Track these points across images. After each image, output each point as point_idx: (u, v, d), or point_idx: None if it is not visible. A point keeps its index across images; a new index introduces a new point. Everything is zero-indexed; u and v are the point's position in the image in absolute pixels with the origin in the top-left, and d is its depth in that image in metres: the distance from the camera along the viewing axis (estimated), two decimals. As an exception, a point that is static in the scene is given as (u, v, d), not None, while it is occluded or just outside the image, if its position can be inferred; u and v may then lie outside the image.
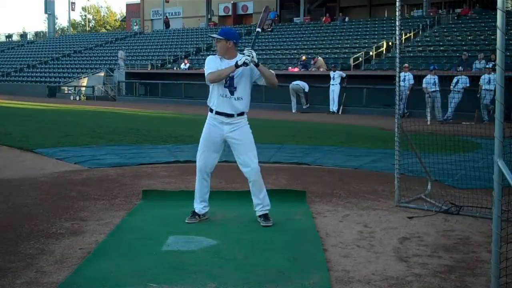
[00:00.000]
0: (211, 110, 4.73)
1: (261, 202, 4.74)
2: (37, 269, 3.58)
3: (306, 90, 21.37)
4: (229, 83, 4.61)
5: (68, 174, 7.10)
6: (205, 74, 4.65)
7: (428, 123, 13.84)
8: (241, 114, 4.68)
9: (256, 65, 4.55)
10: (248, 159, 4.64)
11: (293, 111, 21.34)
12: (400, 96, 5.94)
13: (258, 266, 3.68)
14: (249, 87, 4.72)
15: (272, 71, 4.99)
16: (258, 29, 5.04)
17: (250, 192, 4.80)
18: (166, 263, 3.74)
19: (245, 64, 4.46)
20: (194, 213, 4.85)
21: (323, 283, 3.38)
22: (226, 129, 4.66)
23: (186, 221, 4.79)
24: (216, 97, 4.67)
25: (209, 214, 4.96)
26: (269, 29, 33.36)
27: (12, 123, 14.22)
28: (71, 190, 6.07)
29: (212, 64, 4.65)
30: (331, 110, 21.05)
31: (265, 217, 4.74)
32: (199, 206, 4.85)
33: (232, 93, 4.61)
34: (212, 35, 4.92)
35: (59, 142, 10.26)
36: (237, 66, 4.48)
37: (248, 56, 4.45)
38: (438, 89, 16.60)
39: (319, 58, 24.25)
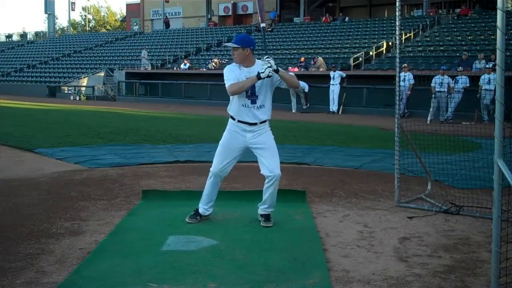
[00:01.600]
0: (233, 118, 4.66)
1: (268, 204, 4.73)
2: (37, 269, 3.58)
3: (306, 90, 21.29)
4: (251, 93, 4.54)
5: (68, 174, 7.10)
6: (226, 85, 4.53)
7: (428, 122, 13.86)
8: (264, 121, 4.63)
9: (276, 71, 4.46)
10: (272, 165, 4.58)
11: (293, 111, 21.31)
12: (400, 96, 5.94)
13: (258, 266, 3.68)
14: (270, 94, 4.64)
15: (292, 73, 4.90)
16: (263, 24, 4.95)
17: (250, 192, 4.81)
18: (166, 263, 3.74)
19: (268, 76, 4.40)
20: (196, 213, 4.83)
21: (323, 283, 3.38)
22: (249, 136, 4.60)
23: (187, 220, 4.78)
24: (237, 107, 4.60)
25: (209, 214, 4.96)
26: (269, 29, 33.36)
27: (12, 123, 14.22)
28: (71, 190, 6.07)
29: (232, 75, 4.54)
30: (331, 110, 21.05)
31: (266, 217, 4.74)
32: (205, 207, 4.82)
33: (254, 102, 4.55)
34: (227, 44, 4.84)
35: (59, 142, 10.26)
36: (259, 78, 4.40)
37: (270, 67, 4.37)
38: (444, 90, 16.63)
39: (319, 58, 24.24)
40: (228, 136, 4.68)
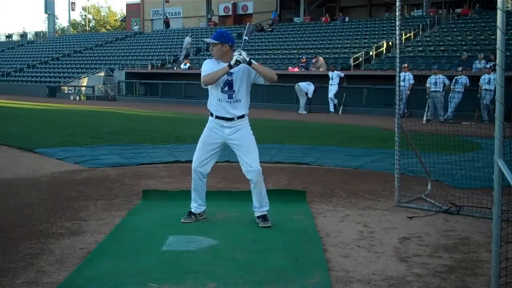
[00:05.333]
0: (211, 114, 4.71)
1: (259, 205, 4.73)
2: (37, 269, 3.58)
3: (310, 95, 20.93)
4: (228, 87, 4.58)
5: (68, 174, 7.10)
6: (201, 79, 4.60)
7: (424, 122, 13.86)
8: (242, 116, 4.65)
9: (249, 63, 4.49)
10: (249, 161, 4.61)
11: (300, 111, 20.97)
12: (400, 96, 5.94)
13: (258, 266, 3.68)
14: (248, 89, 4.68)
15: (269, 68, 4.94)
16: (246, 37, 4.93)
17: (250, 192, 4.79)
18: (166, 263, 3.74)
19: (237, 62, 4.43)
20: (190, 213, 4.85)
21: (323, 283, 3.38)
22: (227, 132, 4.64)
23: (182, 220, 4.78)
24: (214, 102, 4.65)
25: (208, 214, 4.96)
26: (269, 29, 33.38)
27: (12, 123, 14.21)
28: (71, 190, 6.07)
29: (208, 68, 4.60)
30: (330, 110, 21.06)
31: (263, 218, 4.74)
32: (195, 205, 4.84)
33: (230, 96, 4.58)
34: (205, 39, 4.88)
35: (59, 142, 10.26)
36: (230, 66, 4.45)
37: (239, 55, 4.43)
38: (439, 89, 16.65)
39: (320, 58, 24.22)
40: (207, 133, 4.74)
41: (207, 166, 4.77)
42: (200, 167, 4.76)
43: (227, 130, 4.64)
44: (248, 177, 4.68)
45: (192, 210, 4.86)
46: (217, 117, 4.66)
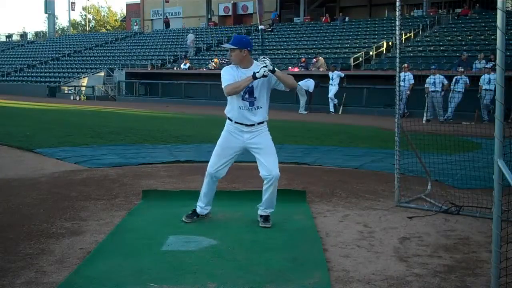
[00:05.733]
0: (230, 119, 4.67)
1: (266, 206, 4.71)
2: (37, 269, 3.58)
3: (311, 90, 20.77)
4: (249, 95, 4.53)
5: (68, 174, 7.10)
6: (223, 86, 4.53)
7: (424, 122, 13.87)
8: (261, 122, 4.63)
9: (272, 71, 4.45)
10: (270, 165, 4.56)
11: (300, 111, 20.90)
12: (400, 96, 5.94)
13: (258, 266, 3.69)
14: (268, 95, 4.64)
15: (290, 75, 4.84)
16: (261, 26, 4.95)
17: (250, 192, 4.81)
18: (166, 263, 3.74)
19: (264, 76, 4.40)
20: (194, 213, 4.84)
21: (323, 283, 3.38)
22: (246, 137, 4.60)
23: (183, 219, 4.77)
24: (236, 109, 4.59)
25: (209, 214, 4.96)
26: (269, 29, 33.36)
27: (12, 123, 14.21)
28: (71, 190, 6.07)
29: (229, 76, 4.54)
30: (330, 110, 21.06)
31: (265, 218, 4.73)
32: (201, 206, 4.82)
33: (252, 103, 4.54)
34: (225, 45, 4.82)
35: (59, 142, 10.26)
36: (255, 77, 4.40)
37: (265, 67, 4.37)
38: (437, 89, 16.67)
39: (320, 58, 24.21)
40: (226, 136, 4.68)
41: (223, 171, 4.73)
42: (216, 172, 4.70)
43: (247, 135, 4.60)
44: (265, 181, 4.62)
45: (198, 211, 4.82)
46: (236, 122, 4.62)
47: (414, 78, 17.55)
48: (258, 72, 4.40)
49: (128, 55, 36.09)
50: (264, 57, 4.44)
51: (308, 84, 20.78)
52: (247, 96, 4.55)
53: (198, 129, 13.52)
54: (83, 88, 32.48)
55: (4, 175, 6.98)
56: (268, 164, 4.56)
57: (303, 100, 21.09)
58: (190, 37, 32.27)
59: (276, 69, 4.52)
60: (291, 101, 22.27)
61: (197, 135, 11.76)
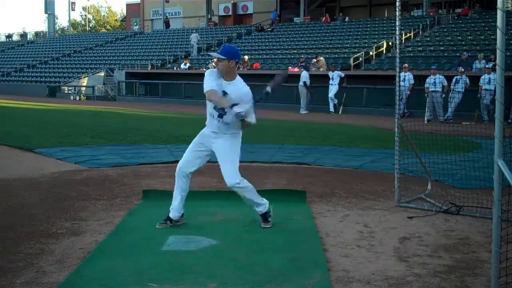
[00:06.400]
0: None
1: (250, 205, 4.71)
2: (37, 269, 3.58)
3: (307, 82, 20.67)
4: (220, 108, 4.42)
5: (68, 174, 7.10)
6: (206, 89, 4.37)
7: (425, 122, 13.88)
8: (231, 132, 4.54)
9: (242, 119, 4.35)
10: (224, 172, 4.50)
11: (302, 111, 20.88)
12: (400, 96, 5.94)
13: (258, 266, 3.69)
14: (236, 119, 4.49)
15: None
16: (268, 90, 4.55)
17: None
18: (166, 263, 3.74)
19: (238, 115, 4.29)
20: (168, 218, 4.70)
21: (323, 283, 3.38)
22: (212, 137, 4.56)
23: (157, 225, 4.65)
24: (207, 114, 4.59)
25: (208, 214, 4.96)
26: (269, 29, 33.38)
27: (12, 123, 14.22)
28: (71, 190, 6.07)
29: (213, 81, 4.41)
30: (330, 110, 21.05)
31: (263, 217, 4.71)
32: (172, 208, 4.69)
33: (220, 116, 4.45)
34: (212, 54, 4.74)
35: (59, 142, 10.26)
36: (231, 107, 4.29)
37: (242, 112, 4.27)
38: (437, 89, 16.68)
39: (321, 58, 24.19)
40: (200, 134, 4.69)
41: (190, 164, 4.64)
42: (183, 163, 4.66)
43: (213, 135, 4.56)
44: None
45: (171, 215, 4.71)
46: (207, 125, 4.63)
47: (414, 78, 17.55)
48: (238, 112, 4.27)
49: (128, 55, 36.09)
50: (242, 110, 4.29)
51: (302, 75, 20.69)
52: (219, 108, 4.42)
53: (198, 129, 13.41)
54: (83, 88, 32.48)
55: (4, 175, 6.98)
56: (223, 171, 4.51)
57: (304, 100, 21.09)
58: (194, 36, 32.25)
59: (251, 120, 4.38)
60: (291, 101, 22.27)
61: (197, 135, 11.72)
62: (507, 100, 3.11)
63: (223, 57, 4.43)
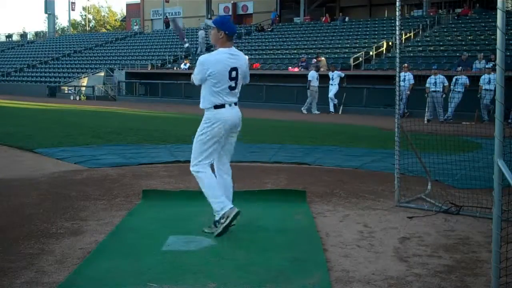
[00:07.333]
0: None
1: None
2: (37, 269, 3.58)
3: (315, 83, 20.48)
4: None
5: (68, 174, 7.10)
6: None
7: (425, 122, 13.89)
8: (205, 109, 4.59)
9: None
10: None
11: (313, 111, 20.89)
12: (400, 96, 5.94)
13: (258, 266, 3.68)
14: (206, 85, 4.56)
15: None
16: (186, 44, 4.87)
17: (250, 192, 4.78)
18: (166, 263, 3.74)
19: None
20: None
21: (323, 283, 3.38)
22: None
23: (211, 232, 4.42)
24: None
25: (208, 214, 4.94)
26: (269, 29, 33.39)
27: (12, 123, 14.21)
28: (71, 190, 6.07)
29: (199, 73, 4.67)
30: (330, 110, 21.06)
31: (213, 221, 4.40)
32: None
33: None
34: (207, 20, 4.83)
35: (59, 142, 10.26)
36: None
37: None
38: (438, 89, 16.69)
39: (322, 58, 24.18)
40: None
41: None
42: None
43: None
44: None
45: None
46: None
47: (414, 78, 17.56)
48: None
49: (128, 55, 36.10)
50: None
51: (309, 74, 20.56)
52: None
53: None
54: (83, 88, 32.50)
55: (4, 175, 6.98)
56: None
57: (314, 100, 20.83)
58: (201, 33, 32.23)
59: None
60: (291, 101, 22.30)
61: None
62: (507, 100, 3.10)
63: (212, 25, 4.43)
